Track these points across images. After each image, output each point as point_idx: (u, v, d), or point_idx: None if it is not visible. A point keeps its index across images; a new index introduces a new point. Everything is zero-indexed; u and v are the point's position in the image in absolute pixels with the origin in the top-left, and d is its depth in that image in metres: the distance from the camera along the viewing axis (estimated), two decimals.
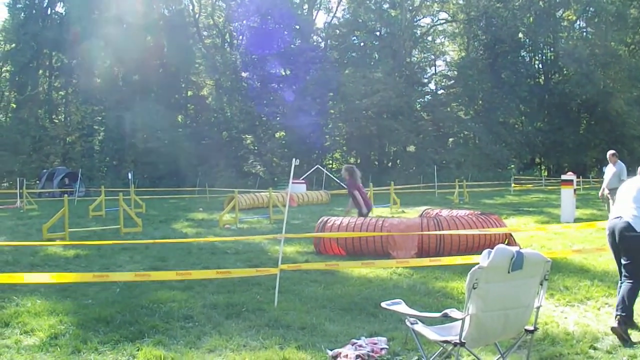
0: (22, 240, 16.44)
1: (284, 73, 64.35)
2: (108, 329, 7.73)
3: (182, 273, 9.31)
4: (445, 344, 5.22)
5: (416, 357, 6.53)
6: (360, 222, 13.98)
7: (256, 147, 62.46)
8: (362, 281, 10.88)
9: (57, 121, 65.50)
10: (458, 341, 4.94)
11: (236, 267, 11.84)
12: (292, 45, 63.55)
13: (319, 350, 6.86)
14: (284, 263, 9.45)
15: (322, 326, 7.84)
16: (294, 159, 10.02)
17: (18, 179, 37.30)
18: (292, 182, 36.28)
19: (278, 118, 62.03)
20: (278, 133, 63.67)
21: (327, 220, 14.37)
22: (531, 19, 65.51)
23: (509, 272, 4.79)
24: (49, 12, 65.17)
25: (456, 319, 5.16)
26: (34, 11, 63.69)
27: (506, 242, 13.10)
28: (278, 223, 22.20)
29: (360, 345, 6.80)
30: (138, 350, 6.91)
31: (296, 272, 10.84)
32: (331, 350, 6.79)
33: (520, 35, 66.59)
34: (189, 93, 67.56)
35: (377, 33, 65.55)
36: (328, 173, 47.85)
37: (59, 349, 7.00)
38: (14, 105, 66.37)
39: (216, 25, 69.75)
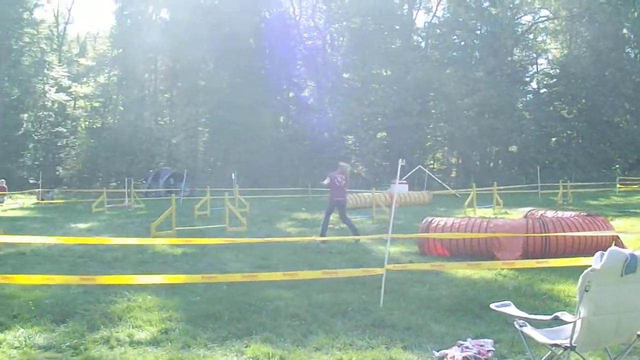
0: (130, 237, 16.92)
1: (385, 73, 64.19)
2: (216, 326, 7.92)
3: (289, 274, 9.43)
4: (554, 348, 5.16)
5: None
6: (464, 223, 13.89)
7: (357, 148, 62.55)
8: (466, 282, 10.83)
9: (162, 123, 67.24)
10: (568, 345, 4.89)
11: (340, 267, 11.91)
12: (392, 46, 63.36)
13: (425, 351, 6.87)
14: (389, 263, 9.46)
15: (427, 327, 7.85)
16: (400, 160, 10.06)
17: (126, 179, 38.39)
18: (394, 182, 36.28)
19: (379, 118, 61.98)
20: (379, 133, 63.52)
21: (431, 221, 14.33)
22: (635, 13, 63.00)
23: (621, 275, 4.71)
24: (154, 17, 66.93)
25: (566, 322, 5.10)
26: (139, 17, 65.62)
27: (613, 244, 12.76)
28: (381, 223, 22.27)
29: (466, 347, 6.78)
30: (246, 347, 7.06)
31: (401, 272, 10.82)
32: (437, 351, 6.79)
33: (625, 31, 64.22)
34: (291, 94, 68.09)
35: (478, 32, 64.44)
36: (429, 173, 47.53)
37: (169, 343, 7.22)
38: (122, 108, 68.51)
39: (317, 27, 70.04)
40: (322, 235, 16.51)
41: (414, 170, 42.82)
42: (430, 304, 9.13)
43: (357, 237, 15.12)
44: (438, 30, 66.72)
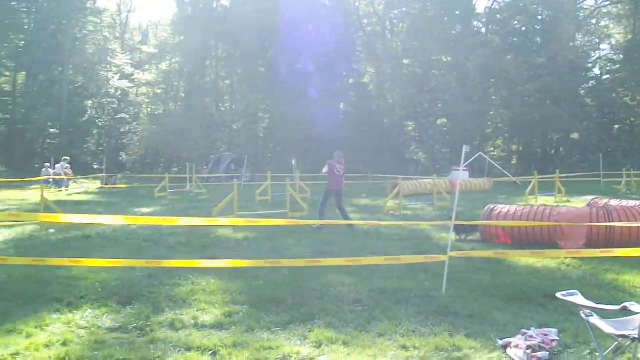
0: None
1: (445, 59, 63.55)
2: (280, 310, 8.03)
3: (351, 259, 9.48)
4: (621, 339, 5.09)
5: (588, 351, 6.40)
6: (527, 211, 13.75)
7: (417, 134, 62.18)
8: (529, 270, 10.75)
9: (223, 109, 67.76)
10: (637, 336, 4.82)
11: (402, 254, 11.93)
12: (452, 32, 62.63)
13: (489, 339, 6.87)
14: (451, 250, 9.42)
15: (490, 315, 7.84)
16: (464, 146, 10.01)
17: (187, 165, 38.80)
18: (455, 169, 35.85)
19: (439, 105, 61.45)
20: (439, 120, 63.01)
21: (493, 208, 14.22)
22: None
23: None
24: (214, 5, 67.37)
25: (635, 313, 5.02)
26: (200, 5, 66.09)
27: None
28: (441, 210, 22.14)
29: (530, 336, 6.74)
30: (310, 331, 7.13)
31: (462, 260, 10.80)
32: (501, 339, 6.77)
33: None
34: (350, 81, 67.88)
35: (539, 17, 63.01)
36: (490, 160, 46.99)
37: (233, 327, 7.34)
38: (183, 95, 69.22)
39: (376, 12, 69.66)
40: (322, 219, 16.40)
41: (474, 157, 42.40)
42: (493, 292, 9.10)
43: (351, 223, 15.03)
44: (499, 16, 65.49)
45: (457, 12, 62.33)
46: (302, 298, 8.55)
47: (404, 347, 6.65)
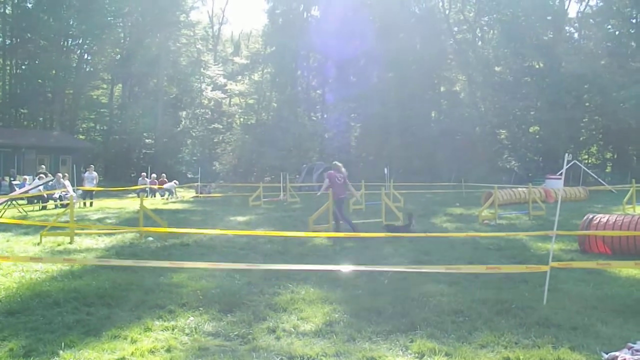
0: (288, 230, 17.17)
1: (537, 66, 62.44)
2: (380, 319, 7.95)
3: (452, 267, 9.38)
4: None
5: None
6: (628, 220, 13.34)
7: (510, 142, 61.31)
8: (631, 282, 10.45)
9: (315, 118, 68.14)
10: None
11: (500, 263, 11.74)
12: (544, 37, 61.53)
13: (594, 353, 6.67)
14: (553, 261, 9.19)
15: (594, 327, 7.61)
16: (566, 154, 9.82)
17: (281, 173, 39.14)
18: (549, 178, 35.07)
19: (532, 112, 60.48)
20: (532, 127, 61.97)
21: (592, 218, 13.85)
22: None
23: None
24: (305, 15, 67.93)
25: None
26: (291, 16, 66.87)
27: None
28: (537, 219, 21.72)
29: (637, 350, 6.52)
30: (411, 342, 7.05)
31: (563, 270, 10.54)
32: (606, 353, 6.57)
33: None
34: (442, 89, 67.63)
35: (633, 20, 61.29)
36: (585, 168, 45.88)
37: (334, 336, 7.30)
38: (275, 105, 69.97)
39: (467, 20, 69.16)
40: (354, 230, 16.45)
41: (568, 165, 41.42)
42: (595, 303, 8.84)
43: (334, 235, 14.75)
44: (591, 20, 63.92)
45: (549, 18, 61.24)
46: (402, 307, 8.47)
47: (507, 359, 6.52)
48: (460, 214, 24.68)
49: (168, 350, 6.77)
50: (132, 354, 6.66)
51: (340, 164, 18.16)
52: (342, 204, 17.64)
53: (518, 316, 8.11)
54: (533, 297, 9.07)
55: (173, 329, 7.57)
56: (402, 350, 6.83)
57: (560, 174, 36.20)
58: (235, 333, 7.39)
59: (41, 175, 31.98)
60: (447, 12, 68.91)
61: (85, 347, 6.84)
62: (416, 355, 6.67)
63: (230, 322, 7.86)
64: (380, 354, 6.67)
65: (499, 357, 6.58)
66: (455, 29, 69.65)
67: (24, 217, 23.12)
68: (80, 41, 69.07)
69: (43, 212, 26.89)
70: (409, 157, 56.01)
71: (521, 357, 6.54)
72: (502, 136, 62.62)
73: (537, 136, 60.82)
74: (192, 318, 8.03)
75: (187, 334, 7.38)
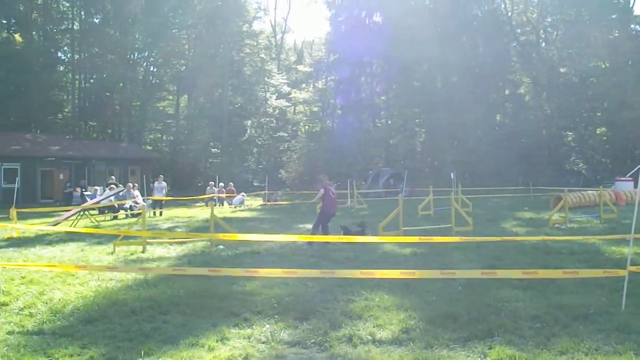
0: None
1: (603, 66, 61.16)
2: (456, 326, 7.89)
3: (528, 272, 9.21)
4: None
5: None
6: None
7: (577, 144, 60.19)
8: None
9: (380, 124, 68.00)
10: None
11: (573, 268, 11.48)
12: (609, 36, 60.11)
13: None
14: (631, 265, 8.95)
15: None
16: None
17: (347, 180, 39.13)
18: (619, 180, 34.29)
19: (599, 113, 59.33)
20: (599, 129, 60.70)
21: None
22: None
23: None
24: (367, 22, 67.82)
25: None
26: (353, 23, 66.77)
27: None
28: (609, 222, 21.28)
29: None
30: (490, 348, 6.98)
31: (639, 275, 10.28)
32: None
33: None
34: (506, 92, 66.71)
35: None
36: None
37: (411, 343, 7.27)
38: (339, 112, 70.00)
39: (530, 21, 68.16)
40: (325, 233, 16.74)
41: (639, 167, 40.45)
42: None
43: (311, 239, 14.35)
44: None
45: (614, 16, 59.85)
46: (478, 313, 8.38)
47: None
48: (530, 218, 24.34)
49: (246, 359, 6.81)
50: None
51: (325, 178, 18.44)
52: (329, 218, 17.64)
53: (596, 322, 7.97)
54: (610, 302, 8.89)
55: (250, 337, 7.63)
56: (480, 357, 6.78)
57: (631, 176, 35.50)
58: (312, 341, 7.41)
59: (112, 185, 32.59)
60: (509, 13, 67.99)
61: (164, 355, 6.94)
62: None
63: (306, 330, 7.88)
64: None
65: None
66: (519, 30, 68.64)
67: (96, 227, 23.54)
68: (145, 54, 70.33)
69: (114, 222, 27.39)
70: (474, 161, 55.42)
71: None
72: (569, 138, 61.37)
73: (605, 137, 59.49)
74: (268, 326, 8.08)
75: (263, 342, 7.44)
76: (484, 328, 7.70)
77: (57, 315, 8.93)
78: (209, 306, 9.18)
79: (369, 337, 7.53)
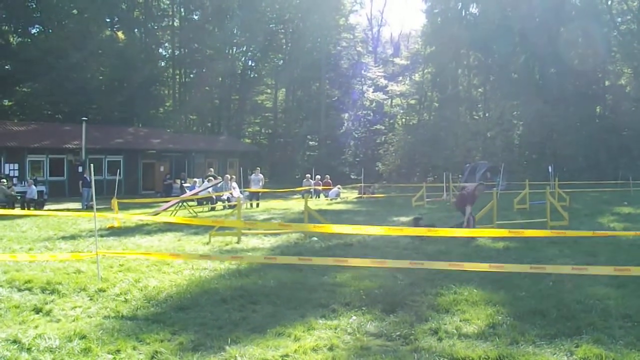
0: None
1: None
2: (544, 322, 7.75)
3: (620, 269, 8.96)
4: None
5: None
6: None
7: None
8: None
9: (477, 117, 67.29)
10: None
11: None
12: None
13: None
14: None
15: None
16: None
17: (444, 173, 38.81)
18: None
19: None
20: None
21: None
22: None
23: None
24: (463, 13, 67.18)
25: None
26: (449, 14, 66.31)
27: None
28: None
29: None
30: (576, 347, 6.83)
31: None
32: None
33: None
34: (607, 83, 64.78)
35: None
36: None
37: (497, 338, 7.17)
38: (437, 104, 69.61)
39: (630, 9, 65.85)
40: None
41: None
42: None
43: None
44: None
45: None
46: (567, 311, 8.20)
47: None
48: (629, 213, 23.64)
49: (330, 349, 6.86)
50: (295, 351, 6.80)
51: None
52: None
53: None
54: None
55: (336, 328, 7.68)
56: (566, 355, 6.63)
57: None
58: (397, 333, 7.40)
59: (210, 177, 33.19)
60: (609, 2, 65.78)
61: (251, 343, 7.06)
62: None
63: (392, 322, 7.88)
64: (544, 358, 6.52)
65: None
66: (619, 19, 66.59)
67: (194, 218, 24.03)
68: (244, 49, 71.53)
69: (212, 212, 27.93)
70: (573, 155, 54.15)
71: None
72: None
73: None
74: (354, 317, 8.11)
75: (349, 333, 7.46)
76: (572, 326, 7.54)
77: (150, 302, 9.20)
78: (298, 297, 9.28)
79: (455, 331, 7.46)
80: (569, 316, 7.96)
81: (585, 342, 6.96)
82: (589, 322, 7.66)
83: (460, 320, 7.95)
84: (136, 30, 65.92)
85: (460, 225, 16.15)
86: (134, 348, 7.01)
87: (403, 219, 23.04)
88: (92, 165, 12.23)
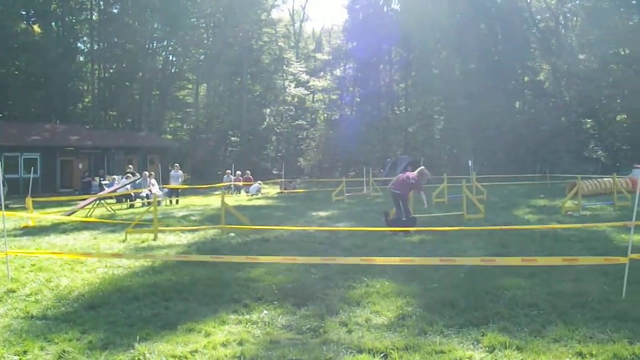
0: (369, 225, 17.19)
1: (623, 52, 60.46)
2: (453, 313, 7.93)
3: (527, 259, 9.24)
4: None
5: None
6: None
7: (596, 132, 59.69)
8: None
9: (398, 112, 67.88)
10: None
11: (580, 255, 11.46)
12: (630, 22, 59.27)
13: None
14: (634, 252, 8.92)
15: None
16: None
17: (364, 168, 39.12)
18: (637, 167, 34.09)
19: (618, 100, 58.61)
20: (619, 116, 60.03)
21: None
22: None
23: None
24: (385, 9, 67.69)
25: None
26: (371, 10, 66.69)
27: None
28: (623, 210, 21.13)
29: None
30: (483, 335, 7.01)
31: None
32: None
33: None
34: (526, 79, 66.14)
35: None
36: None
37: (406, 329, 7.32)
38: (358, 100, 69.93)
39: (549, 7, 67.49)
40: None
41: None
42: None
43: None
44: None
45: (634, 2, 58.93)
46: (476, 301, 8.41)
47: (580, 354, 6.41)
48: (544, 205, 24.24)
49: (240, 344, 6.90)
50: (204, 346, 6.82)
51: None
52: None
53: (595, 309, 7.97)
54: (612, 290, 8.86)
55: (247, 323, 7.72)
56: (473, 344, 6.79)
57: None
58: (307, 326, 7.48)
59: (129, 174, 32.82)
60: (528, 0, 67.43)
61: (161, 339, 7.05)
62: (487, 349, 6.64)
63: (303, 316, 7.97)
64: (451, 347, 6.66)
65: (572, 352, 6.47)
66: (538, 17, 68.03)
67: (112, 216, 23.76)
68: (164, 43, 70.67)
69: (130, 210, 27.63)
70: (493, 149, 55.10)
71: (594, 352, 6.41)
72: (588, 125, 60.75)
73: (625, 124, 58.84)
74: (265, 312, 8.17)
75: (260, 328, 7.52)
76: (480, 315, 7.73)
77: (61, 301, 9.09)
78: (211, 293, 9.29)
79: (365, 323, 7.58)
80: (477, 306, 8.16)
81: (492, 330, 7.15)
82: (497, 312, 7.87)
83: (370, 312, 8.08)
84: (53, 24, 64.27)
85: (397, 221, 16.29)
86: (42, 348, 6.92)
87: (322, 213, 23.23)
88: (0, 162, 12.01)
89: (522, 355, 6.42)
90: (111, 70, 68.93)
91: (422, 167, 18.25)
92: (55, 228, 19.37)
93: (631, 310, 7.82)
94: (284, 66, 73.73)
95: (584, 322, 7.40)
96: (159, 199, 27.32)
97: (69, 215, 22.35)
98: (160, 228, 16.64)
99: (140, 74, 66.12)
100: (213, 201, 31.01)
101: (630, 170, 38.01)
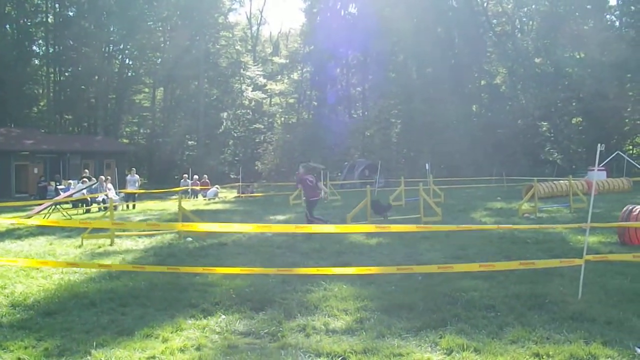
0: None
1: (578, 56, 61.39)
2: (411, 316, 7.97)
3: (485, 265, 9.27)
4: None
5: None
6: None
7: (552, 134, 60.45)
8: None
9: (355, 116, 68.15)
10: None
11: (537, 257, 11.58)
12: (584, 27, 60.19)
13: (627, 348, 6.61)
14: (589, 254, 9.06)
15: (629, 322, 7.51)
16: (599, 145, 9.68)
17: (322, 171, 39.14)
18: (592, 169, 34.62)
19: (574, 103, 59.42)
20: (574, 118, 60.90)
21: (632, 209, 13.63)
22: None
23: None
24: (342, 13, 67.97)
25: None
26: (328, 14, 66.93)
27: None
28: (578, 212, 21.45)
29: None
30: (440, 337, 7.06)
31: (600, 264, 10.40)
32: None
33: None
34: (482, 82, 66.90)
35: None
36: (629, 159, 44.88)
37: (364, 332, 7.34)
38: (315, 103, 70.13)
39: (505, 12, 68.37)
40: (326, 222, 16.58)
41: (612, 157, 40.64)
42: (632, 297, 8.73)
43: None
44: (633, 7, 62.31)
45: (589, 7, 59.94)
46: (434, 304, 8.46)
47: (537, 355, 6.49)
48: (501, 208, 24.48)
49: (198, 349, 6.88)
50: (162, 352, 6.77)
51: (313, 164, 18.29)
52: (314, 205, 17.78)
53: (551, 311, 8.07)
54: (568, 292, 8.97)
55: (204, 328, 7.69)
56: (430, 346, 6.84)
57: (603, 166, 35.72)
58: (265, 331, 7.47)
59: (85, 179, 32.46)
60: (485, 4, 67.98)
61: (117, 346, 6.98)
62: (445, 351, 6.68)
63: (261, 320, 7.95)
64: (409, 350, 6.69)
65: (529, 353, 6.54)
66: (494, 21, 68.83)
67: (68, 220, 23.48)
68: (121, 47, 70.08)
69: (87, 215, 27.32)
70: (450, 152, 55.52)
71: (551, 353, 6.49)
72: (544, 128, 61.47)
73: (580, 127, 59.73)
74: (223, 317, 8.14)
75: (217, 333, 7.50)
76: (438, 318, 7.78)
77: (17, 308, 8.94)
78: (169, 298, 9.22)
79: (323, 327, 7.59)
80: (435, 309, 8.20)
81: (450, 333, 7.20)
82: (454, 314, 7.93)
83: (328, 316, 8.08)
84: (7, 26, 63.55)
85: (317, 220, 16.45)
86: None
87: (280, 217, 23.23)
88: None
89: (480, 357, 6.47)
90: (67, 74, 68.14)
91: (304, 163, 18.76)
92: (10, 234, 19.06)
93: (587, 310, 7.94)
94: (241, 70, 73.50)
95: (540, 324, 7.48)
96: (116, 203, 27.03)
97: (26, 219, 22.05)
98: (117, 232, 16.52)
99: (97, 77, 65.41)
100: (170, 206, 30.80)
101: (585, 173, 38.59)
